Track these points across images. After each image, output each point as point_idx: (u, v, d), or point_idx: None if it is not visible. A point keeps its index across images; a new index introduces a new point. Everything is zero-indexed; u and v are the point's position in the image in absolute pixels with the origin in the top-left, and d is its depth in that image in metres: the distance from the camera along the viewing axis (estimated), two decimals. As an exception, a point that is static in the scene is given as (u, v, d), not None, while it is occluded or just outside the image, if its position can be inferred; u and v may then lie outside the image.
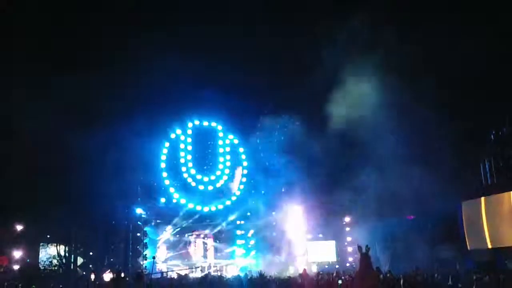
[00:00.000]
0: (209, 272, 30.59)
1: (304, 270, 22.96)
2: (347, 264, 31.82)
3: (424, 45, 24.67)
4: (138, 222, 29.91)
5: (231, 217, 33.39)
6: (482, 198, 25.46)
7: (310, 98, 28.01)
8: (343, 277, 16.91)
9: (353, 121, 25.35)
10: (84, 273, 28.16)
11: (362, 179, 27.33)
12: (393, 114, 24.48)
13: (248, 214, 33.48)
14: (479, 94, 24.36)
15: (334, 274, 18.42)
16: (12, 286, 21.55)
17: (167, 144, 31.82)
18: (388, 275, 17.40)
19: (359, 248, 12.06)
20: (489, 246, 24.71)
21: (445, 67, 23.59)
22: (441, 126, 24.52)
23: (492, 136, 25.87)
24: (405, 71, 23.91)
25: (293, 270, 30.11)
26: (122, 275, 18.39)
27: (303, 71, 28.33)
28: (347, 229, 33.18)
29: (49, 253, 29.07)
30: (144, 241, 29.82)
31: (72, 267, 28.41)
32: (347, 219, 33.12)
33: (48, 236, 28.83)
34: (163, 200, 31.48)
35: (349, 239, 32.65)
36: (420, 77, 24.03)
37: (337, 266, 31.50)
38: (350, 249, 32.24)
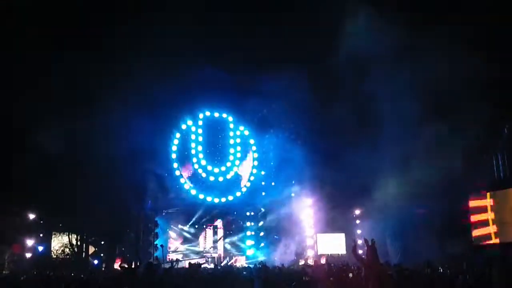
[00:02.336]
0: (219, 262, 30.78)
1: (315, 261, 23.05)
2: (357, 257, 31.73)
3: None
4: (149, 212, 30.16)
5: (241, 208, 33.58)
6: (488, 193, 25.39)
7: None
8: (353, 267, 16.91)
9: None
10: (95, 261, 28.52)
11: (372, 172, 27.26)
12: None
13: (258, 205, 33.58)
14: (493, 87, 23.99)
15: (345, 267, 18.41)
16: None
17: (178, 135, 31.92)
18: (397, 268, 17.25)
19: (366, 241, 12.15)
20: (494, 241, 24.71)
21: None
22: (455, 119, 24.24)
23: (505, 130, 25.68)
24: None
25: (302, 262, 30.17)
26: (132, 265, 18.56)
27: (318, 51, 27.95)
28: (357, 221, 33.16)
29: (61, 242, 29.46)
30: (155, 231, 30.05)
31: (83, 256, 28.78)
32: (357, 211, 33.08)
33: (61, 225, 29.17)
34: (173, 190, 31.64)
35: (359, 231, 32.62)
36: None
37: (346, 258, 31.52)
38: (360, 242, 32.15)
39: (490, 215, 25.47)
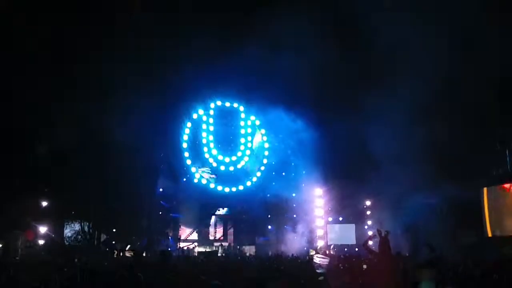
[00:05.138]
0: (229, 251, 30.90)
1: (324, 251, 23.10)
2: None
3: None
4: (161, 201, 30.29)
5: (252, 198, 33.57)
6: (484, 188, 25.08)
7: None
8: (362, 258, 16.81)
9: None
10: (107, 249, 28.72)
11: (383, 162, 27.06)
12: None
13: (268, 195, 33.54)
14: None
15: (354, 258, 18.36)
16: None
17: (189, 124, 31.95)
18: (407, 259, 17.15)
19: (379, 231, 12.04)
20: (489, 235, 24.55)
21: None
22: (469, 108, 23.88)
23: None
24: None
25: (313, 252, 30.19)
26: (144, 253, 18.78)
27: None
28: (368, 212, 33.02)
29: (73, 229, 29.67)
30: (166, 220, 30.22)
31: (95, 243, 29.00)
32: (367, 202, 32.93)
33: (73, 213, 29.36)
34: (184, 180, 31.75)
35: (369, 223, 32.51)
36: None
37: (356, 249, 31.46)
38: (370, 232, 32.05)
39: (493, 208, 25.17)
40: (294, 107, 32.50)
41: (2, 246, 25.50)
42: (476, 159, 24.70)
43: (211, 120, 32.59)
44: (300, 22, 25.82)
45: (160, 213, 30.26)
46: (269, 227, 33.84)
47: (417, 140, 24.48)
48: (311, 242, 32.35)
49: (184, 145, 31.48)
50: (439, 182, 25.78)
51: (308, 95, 30.95)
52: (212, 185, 31.77)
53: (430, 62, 23.15)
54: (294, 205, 33.30)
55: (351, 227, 33.04)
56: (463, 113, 24.34)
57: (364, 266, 9.34)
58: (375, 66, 26.38)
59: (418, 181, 25.23)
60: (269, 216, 33.78)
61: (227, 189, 32.11)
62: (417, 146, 24.42)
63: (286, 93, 31.72)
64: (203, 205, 32.38)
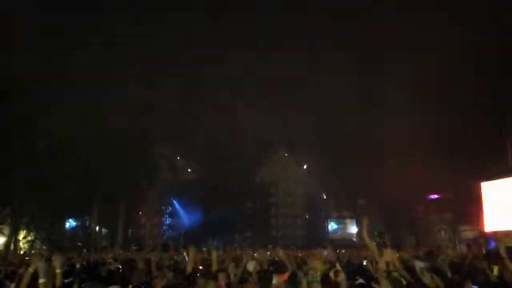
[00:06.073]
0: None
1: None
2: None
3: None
4: (161, 195, 30.29)
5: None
6: (482, 183, 25.07)
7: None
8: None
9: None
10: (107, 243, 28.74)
11: (384, 158, 27.11)
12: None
13: (271, 191, 33.61)
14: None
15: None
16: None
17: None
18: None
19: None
20: (485, 230, 24.63)
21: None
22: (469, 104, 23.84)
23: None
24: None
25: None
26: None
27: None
28: (369, 208, 33.01)
29: (73, 224, 29.66)
30: (167, 213, 30.30)
31: (96, 237, 28.96)
32: (368, 198, 32.93)
33: (73, 209, 29.27)
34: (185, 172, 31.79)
35: (371, 219, 32.43)
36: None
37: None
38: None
39: (496, 202, 25.16)
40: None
41: (4, 241, 25.46)
42: (474, 153, 24.69)
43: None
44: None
45: (162, 207, 30.26)
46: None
47: (415, 132, 24.49)
48: (312, 237, 32.28)
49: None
50: (438, 177, 25.82)
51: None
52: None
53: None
54: (296, 201, 33.34)
55: (352, 223, 33.06)
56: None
57: (364, 262, 9.27)
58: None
59: (418, 176, 25.28)
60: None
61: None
62: (415, 138, 24.45)
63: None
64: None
